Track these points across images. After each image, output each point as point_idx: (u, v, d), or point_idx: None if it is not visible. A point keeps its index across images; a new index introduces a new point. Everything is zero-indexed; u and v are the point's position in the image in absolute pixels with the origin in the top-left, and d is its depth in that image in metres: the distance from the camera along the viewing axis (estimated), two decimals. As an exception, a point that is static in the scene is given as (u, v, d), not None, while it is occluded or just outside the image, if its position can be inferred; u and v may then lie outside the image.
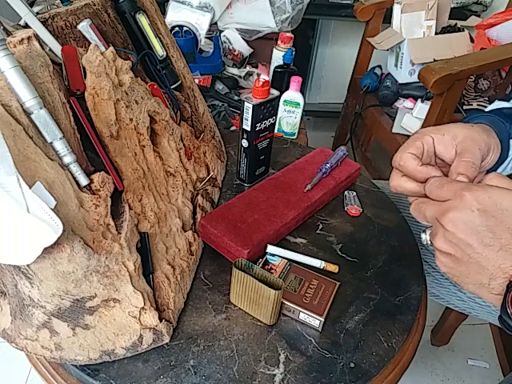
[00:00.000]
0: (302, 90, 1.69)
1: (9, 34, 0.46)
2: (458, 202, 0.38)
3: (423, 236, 0.45)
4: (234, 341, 0.48)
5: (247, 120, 0.65)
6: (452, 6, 1.50)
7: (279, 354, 0.47)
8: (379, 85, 1.52)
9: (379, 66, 1.59)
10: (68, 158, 0.42)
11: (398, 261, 0.60)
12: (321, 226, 0.65)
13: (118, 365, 0.44)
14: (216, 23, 1.48)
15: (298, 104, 1.06)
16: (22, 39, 0.42)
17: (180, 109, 0.67)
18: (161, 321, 0.46)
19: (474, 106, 1.35)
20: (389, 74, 1.50)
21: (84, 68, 0.49)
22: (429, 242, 0.44)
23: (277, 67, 1.23)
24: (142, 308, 0.45)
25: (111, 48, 0.52)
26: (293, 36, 1.26)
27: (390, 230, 0.66)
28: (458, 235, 0.38)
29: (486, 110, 0.56)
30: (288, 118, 1.10)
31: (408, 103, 1.39)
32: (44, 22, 0.52)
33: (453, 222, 0.38)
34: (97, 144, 0.48)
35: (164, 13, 1.44)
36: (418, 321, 0.54)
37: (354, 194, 0.72)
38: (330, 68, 2.22)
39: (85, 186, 0.44)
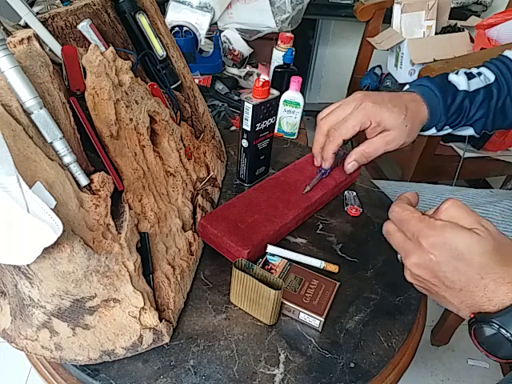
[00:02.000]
0: (302, 90, 1.69)
1: (9, 33, 0.46)
2: (416, 247, 0.41)
3: (398, 255, 0.47)
4: (234, 341, 0.48)
5: (247, 120, 0.65)
6: (452, 5, 1.50)
7: (279, 354, 0.47)
8: (379, 85, 1.52)
9: (379, 66, 1.59)
10: (68, 158, 0.42)
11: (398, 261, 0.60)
12: (321, 226, 0.65)
13: (118, 365, 0.44)
14: (216, 23, 1.48)
15: (298, 104, 1.06)
16: (22, 39, 0.42)
17: (180, 109, 0.67)
18: (161, 321, 0.46)
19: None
20: (389, 73, 1.50)
21: (84, 68, 0.49)
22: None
23: (277, 67, 1.23)
24: (142, 308, 0.45)
25: (111, 48, 0.52)
26: (293, 36, 1.26)
27: (390, 229, 0.66)
28: (424, 277, 0.41)
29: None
30: (288, 118, 1.10)
31: (408, 103, 1.39)
32: (44, 22, 0.52)
33: (415, 266, 0.41)
34: (97, 144, 0.48)
35: (164, 13, 1.44)
36: (417, 321, 0.54)
37: (354, 193, 0.72)
38: (330, 68, 2.23)
39: (85, 186, 0.44)
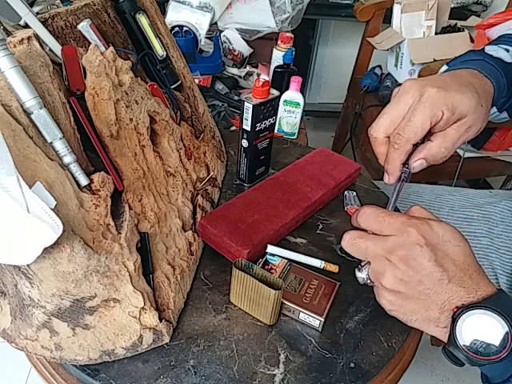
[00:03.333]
0: (302, 90, 1.69)
1: (9, 33, 0.46)
2: (404, 238, 0.39)
3: (360, 275, 0.44)
4: (234, 341, 0.48)
5: (247, 120, 0.65)
6: (452, 5, 1.50)
7: (279, 354, 0.47)
8: (379, 85, 1.52)
9: (379, 66, 1.59)
10: (68, 158, 0.42)
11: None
12: (321, 226, 0.65)
13: (118, 365, 0.44)
14: (216, 23, 1.48)
15: (298, 104, 1.06)
16: (22, 39, 0.42)
17: (180, 109, 0.67)
18: (161, 321, 0.46)
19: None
20: (389, 73, 1.50)
21: (84, 68, 0.49)
22: (368, 281, 0.44)
23: (277, 67, 1.23)
24: (142, 308, 0.45)
25: (111, 48, 0.52)
26: (293, 36, 1.27)
27: (390, 230, 0.66)
28: (410, 273, 0.39)
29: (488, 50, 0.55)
30: (288, 118, 1.10)
31: (408, 103, 1.39)
32: (44, 22, 0.52)
33: (404, 260, 0.39)
34: (97, 144, 0.48)
35: (164, 13, 1.44)
36: (417, 321, 0.54)
37: (354, 193, 0.72)
38: (330, 68, 2.23)
39: (85, 186, 0.44)
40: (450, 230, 0.39)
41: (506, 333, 0.36)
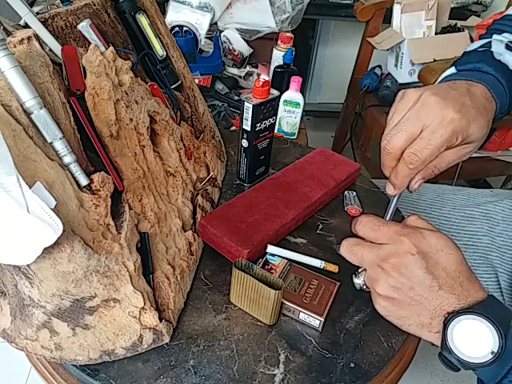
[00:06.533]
0: (302, 90, 1.69)
1: (9, 33, 0.46)
2: (397, 246, 0.41)
3: (357, 281, 0.47)
4: (234, 341, 0.48)
5: (247, 120, 0.65)
6: (452, 5, 1.50)
7: (279, 354, 0.47)
8: (379, 85, 1.52)
9: (379, 66, 1.59)
10: (68, 158, 0.42)
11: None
12: (321, 226, 0.65)
13: (118, 365, 0.44)
14: (216, 23, 1.48)
15: (298, 104, 1.06)
16: (22, 39, 0.42)
17: (180, 109, 0.67)
18: (161, 321, 0.46)
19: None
20: (389, 73, 1.50)
21: (84, 68, 0.49)
22: (364, 287, 0.46)
23: (277, 67, 1.23)
24: (142, 308, 0.45)
25: (111, 48, 0.52)
26: (293, 36, 1.27)
27: (390, 229, 0.66)
28: (401, 280, 0.40)
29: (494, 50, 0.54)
30: (288, 118, 1.10)
31: (408, 103, 1.39)
32: (44, 22, 0.52)
33: (396, 267, 0.40)
34: (97, 144, 0.48)
35: (164, 13, 1.44)
36: (418, 321, 0.54)
37: (354, 193, 0.72)
38: (330, 68, 2.23)
39: (85, 186, 0.44)
40: (443, 239, 0.41)
41: (495, 337, 0.37)
